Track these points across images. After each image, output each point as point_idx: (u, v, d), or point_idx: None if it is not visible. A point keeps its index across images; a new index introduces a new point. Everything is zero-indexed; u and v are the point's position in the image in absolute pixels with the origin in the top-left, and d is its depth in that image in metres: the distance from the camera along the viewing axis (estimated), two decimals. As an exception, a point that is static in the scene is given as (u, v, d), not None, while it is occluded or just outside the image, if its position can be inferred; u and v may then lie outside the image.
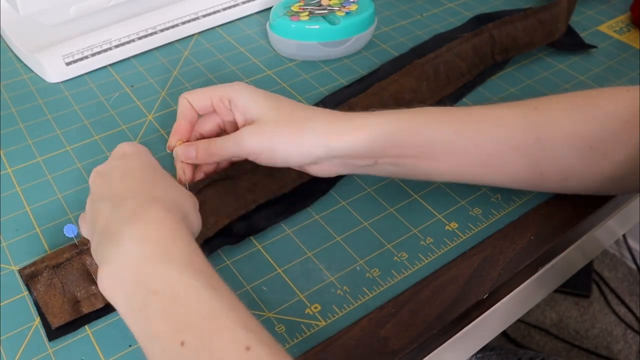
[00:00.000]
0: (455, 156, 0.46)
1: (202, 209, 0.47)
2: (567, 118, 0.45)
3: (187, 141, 0.49)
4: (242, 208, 0.49)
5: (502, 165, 0.46)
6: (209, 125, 0.51)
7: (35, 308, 0.44)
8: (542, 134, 0.45)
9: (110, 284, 0.36)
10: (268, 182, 0.51)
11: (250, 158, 0.47)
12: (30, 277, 0.45)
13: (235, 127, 0.50)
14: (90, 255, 0.45)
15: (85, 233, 0.44)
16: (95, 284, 0.44)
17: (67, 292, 0.44)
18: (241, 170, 0.51)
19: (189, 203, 0.41)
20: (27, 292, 0.45)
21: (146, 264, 0.35)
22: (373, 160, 0.47)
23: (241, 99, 0.47)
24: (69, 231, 0.45)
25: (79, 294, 0.44)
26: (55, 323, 0.42)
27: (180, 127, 0.50)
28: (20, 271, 0.45)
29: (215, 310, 0.33)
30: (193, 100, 0.50)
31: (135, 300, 0.35)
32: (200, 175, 0.50)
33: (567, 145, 0.45)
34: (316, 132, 0.45)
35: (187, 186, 0.48)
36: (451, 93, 0.62)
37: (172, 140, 0.49)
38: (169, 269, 0.35)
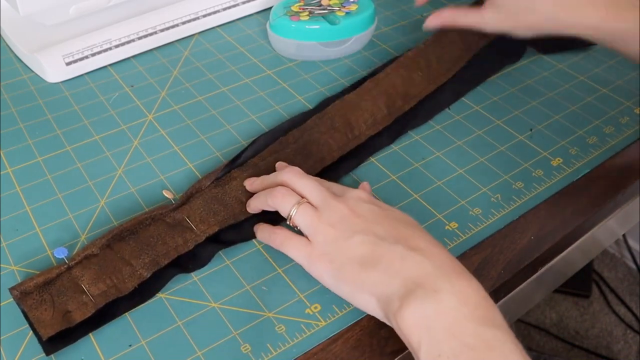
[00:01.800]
0: None
1: (192, 217, 0.48)
2: None
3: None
4: (231, 218, 0.49)
5: None
6: None
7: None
8: None
9: (418, 324, 0.37)
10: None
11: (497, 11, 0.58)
12: (20, 295, 0.43)
13: None
14: (80, 268, 0.44)
15: (320, 252, 0.43)
16: (86, 294, 0.43)
17: (58, 305, 0.43)
18: (231, 178, 0.51)
19: None
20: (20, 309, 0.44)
21: (465, 321, 0.37)
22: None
23: None
24: (59, 252, 0.45)
25: (69, 306, 0.43)
26: (46, 334, 0.41)
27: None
28: (10, 290, 0.44)
29: None
30: None
31: (445, 348, 0.36)
32: None
33: None
34: None
35: (173, 201, 0.49)
36: (450, 79, 0.62)
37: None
38: (489, 332, 0.36)
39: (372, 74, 0.63)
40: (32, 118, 0.60)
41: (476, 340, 0.36)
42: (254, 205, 0.48)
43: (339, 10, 0.66)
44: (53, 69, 0.64)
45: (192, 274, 0.47)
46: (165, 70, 0.67)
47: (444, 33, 0.64)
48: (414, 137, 0.58)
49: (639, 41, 0.52)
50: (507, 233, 0.50)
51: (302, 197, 0.45)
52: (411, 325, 0.37)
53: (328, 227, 0.43)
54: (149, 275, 0.44)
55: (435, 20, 0.63)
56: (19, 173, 0.54)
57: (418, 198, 0.52)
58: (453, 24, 0.63)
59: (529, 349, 1.26)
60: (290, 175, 0.46)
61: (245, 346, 0.42)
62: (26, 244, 0.48)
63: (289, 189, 0.45)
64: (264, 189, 0.48)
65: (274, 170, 0.50)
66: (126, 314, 0.44)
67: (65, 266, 0.45)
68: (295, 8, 0.67)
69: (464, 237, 0.49)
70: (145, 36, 0.68)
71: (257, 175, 0.50)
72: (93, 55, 0.66)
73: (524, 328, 1.30)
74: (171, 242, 0.46)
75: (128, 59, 0.68)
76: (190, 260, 0.47)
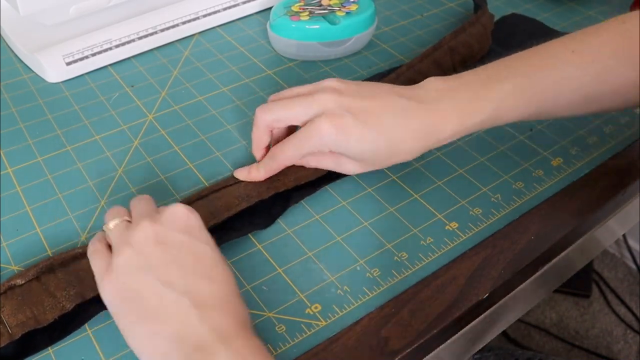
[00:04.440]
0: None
1: None
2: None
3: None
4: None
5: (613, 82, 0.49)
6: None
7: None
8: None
9: None
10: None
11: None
12: None
13: None
14: (3, 299, 0.42)
15: (109, 285, 0.40)
16: (3, 324, 0.41)
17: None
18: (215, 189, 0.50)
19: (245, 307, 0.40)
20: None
21: None
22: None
23: (340, 150, 0.49)
24: None
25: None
26: None
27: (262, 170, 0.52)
28: None
29: None
30: (284, 160, 0.51)
31: None
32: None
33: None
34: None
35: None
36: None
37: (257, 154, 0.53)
38: None
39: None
40: (32, 118, 0.60)
41: None
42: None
43: (339, 10, 0.66)
44: (53, 69, 0.64)
45: (192, 274, 0.46)
46: (165, 70, 0.67)
47: (418, 61, 0.62)
48: (414, 137, 0.58)
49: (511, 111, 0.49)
50: (507, 233, 0.50)
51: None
52: None
53: (127, 248, 0.40)
54: (71, 308, 0.42)
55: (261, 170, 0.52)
56: (19, 173, 0.54)
57: (418, 198, 0.52)
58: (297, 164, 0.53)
59: (529, 349, 1.26)
60: (136, 200, 0.45)
61: (245, 346, 0.42)
62: (26, 244, 0.48)
63: (124, 208, 0.45)
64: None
65: None
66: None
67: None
68: (295, 8, 0.67)
69: (464, 237, 0.49)
70: (146, 36, 0.68)
71: None
72: (93, 55, 0.66)
73: (524, 328, 1.30)
74: None
75: (128, 59, 0.68)
76: None
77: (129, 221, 0.43)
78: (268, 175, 0.52)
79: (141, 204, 0.44)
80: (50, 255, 0.47)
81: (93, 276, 0.43)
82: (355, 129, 0.47)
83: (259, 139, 0.52)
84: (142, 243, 0.40)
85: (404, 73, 0.60)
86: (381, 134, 0.48)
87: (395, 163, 0.50)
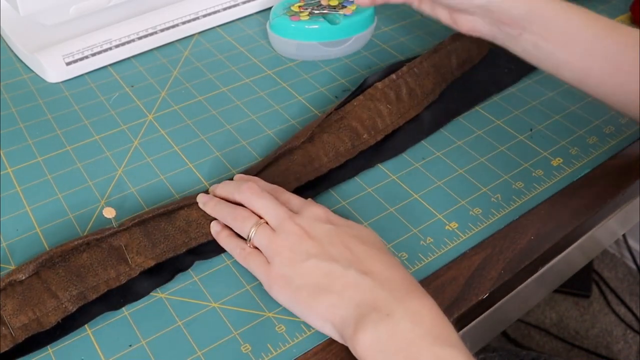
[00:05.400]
0: (586, 56, 0.49)
1: (130, 246, 0.46)
2: None
3: None
4: (171, 251, 0.47)
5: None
6: None
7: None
8: None
9: (373, 348, 0.38)
10: (203, 222, 0.48)
11: None
12: None
13: None
14: (3, 296, 0.42)
15: (277, 276, 0.43)
16: (6, 325, 0.41)
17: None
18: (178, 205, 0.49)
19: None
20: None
21: (420, 341, 0.37)
22: (519, 31, 0.50)
23: None
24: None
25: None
26: None
27: None
28: None
29: None
30: None
31: None
32: None
33: None
34: None
35: (114, 223, 0.46)
36: (418, 114, 0.59)
37: None
38: (444, 352, 0.37)
39: (340, 105, 0.58)
40: (32, 118, 0.60)
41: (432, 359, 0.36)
42: (215, 230, 0.48)
43: (339, 9, 0.66)
44: (53, 69, 0.64)
45: (193, 273, 0.47)
46: (165, 70, 0.67)
47: (418, 63, 0.61)
48: (414, 137, 0.58)
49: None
50: (507, 233, 0.50)
51: (260, 218, 0.45)
52: (366, 350, 0.38)
53: (284, 249, 0.43)
54: (74, 310, 0.43)
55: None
56: (19, 173, 0.54)
57: (418, 198, 0.52)
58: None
59: (529, 349, 1.26)
60: (248, 194, 0.46)
61: (246, 346, 0.42)
62: (26, 244, 0.48)
63: (248, 211, 0.46)
64: (218, 207, 0.48)
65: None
66: (126, 313, 0.44)
67: None
68: (295, 8, 0.67)
69: (464, 237, 0.49)
70: (145, 36, 0.68)
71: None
72: (93, 55, 0.66)
73: (524, 328, 1.30)
74: (103, 274, 0.44)
75: (128, 59, 0.68)
76: (122, 295, 0.45)
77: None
78: None
79: (267, 204, 0.46)
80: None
81: (94, 274, 0.44)
82: None
83: None
84: (295, 242, 0.43)
85: (404, 75, 0.60)
86: None
87: None
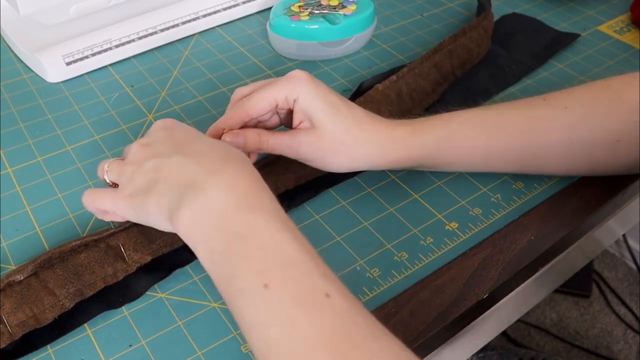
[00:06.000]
0: (489, 158, 0.50)
1: (127, 245, 0.46)
2: (596, 117, 0.48)
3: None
4: (167, 246, 0.47)
5: (534, 160, 0.50)
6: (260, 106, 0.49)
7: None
8: (574, 134, 0.48)
9: (191, 225, 0.37)
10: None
11: (299, 160, 0.49)
12: None
13: (289, 113, 0.49)
14: (2, 296, 0.42)
15: (121, 181, 0.44)
16: (3, 323, 0.41)
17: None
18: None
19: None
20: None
21: (232, 210, 0.36)
22: (410, 168, 0.51)
23: (306, 103, 0.47)
24: None
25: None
26: None
27: (229, 123, 0.48)
28: None
29: (298, 259, 0.35)
30: (253, 106, 0.47)
31: (217, 243, 0.36)
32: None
33: (597, 141, 0.48)
34: (368, 152, 0.48)
35: (112, 225, 0.46)
36: (418, 115, 0.58)
37: (214, 129, 0.48)
38: (255, 217, 0.36)
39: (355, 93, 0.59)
40: (32, 118, 0.60)
41: (244, 229, 0.36)
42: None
43: (339, 9, 0.66)
44: (53, 69, 0.64)
45: (193, 273, 0.47)
46: (165, 70, 0.67)
47: (418, 64, 0.61)
48: (414, 137, 0.58)
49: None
50: (507, 233, 0.50)
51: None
52: (185, 228, 0.37)
53: (127, 166, 0.43)
54: (71, 306, 0.43)
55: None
56: (19, 173, 0.54)
57: (418, 198, 0.52)
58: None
59: (529, 349, 1.26)
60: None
61: (246, 346, 0.42)
62: (26, 244, 0.48)
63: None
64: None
65: None
66: (126, 313, 0.44)
67: None
68: (295, 8, 0.67)
69: (464, 237, 0.49)
70: (145, 36, 0.68)
71: None
72: (93, 55, 0.66)
73: (524, 328, 1.30)
74: (100, 271, 0.44)
75: (128, 59, 0.68)
76: (121, 293, 0.45)
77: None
78: (231, 123, 0.47)
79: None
80: (50, 255, 0.47)
81: (91, 272, 0.44)
82: (328, 89, 0.48)
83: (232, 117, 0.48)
84: (135, 156, 0.43)
85: (405, 75, 0.60)
86: (350, 119, 0.48)
87: (332, 164, 0.49)
